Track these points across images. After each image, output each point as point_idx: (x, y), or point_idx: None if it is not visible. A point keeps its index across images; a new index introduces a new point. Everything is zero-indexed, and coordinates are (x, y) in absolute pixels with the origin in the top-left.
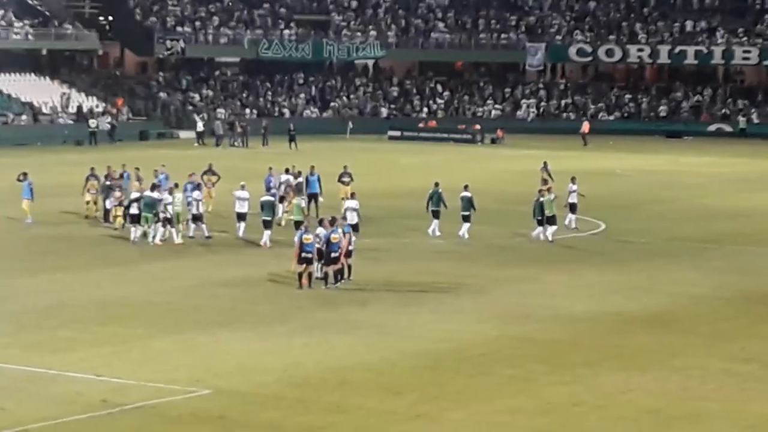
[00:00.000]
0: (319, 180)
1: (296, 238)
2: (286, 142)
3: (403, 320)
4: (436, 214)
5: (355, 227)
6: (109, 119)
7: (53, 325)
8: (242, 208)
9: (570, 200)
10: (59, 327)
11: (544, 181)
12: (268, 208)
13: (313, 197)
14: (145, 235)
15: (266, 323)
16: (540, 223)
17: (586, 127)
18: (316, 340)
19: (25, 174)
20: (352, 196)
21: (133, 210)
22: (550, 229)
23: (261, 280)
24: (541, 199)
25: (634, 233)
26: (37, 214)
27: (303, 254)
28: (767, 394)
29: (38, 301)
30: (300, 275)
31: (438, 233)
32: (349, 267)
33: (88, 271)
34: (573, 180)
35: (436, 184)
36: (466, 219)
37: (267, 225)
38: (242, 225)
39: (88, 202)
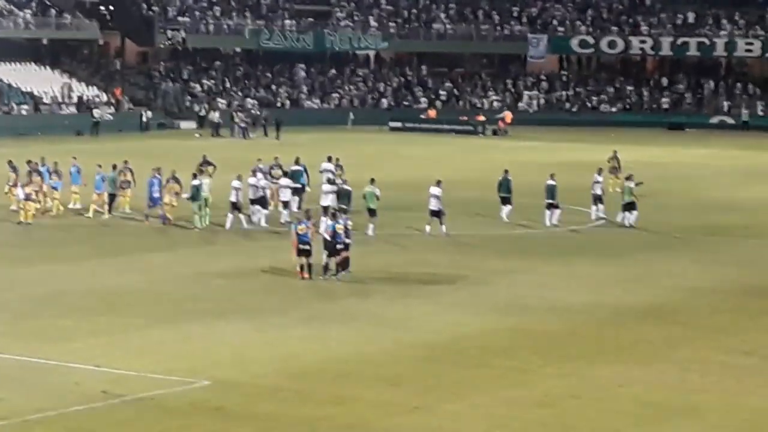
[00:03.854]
0: (306, 171)
1: (292, 229)
2: (284, 134)
3: (401, 312)
4: (504, 201)
5: (436, 213)
6: (110, 110)
7: (51, 314)
8: (254, 194)
9: (594, 191)
10: (57, 316)
11: (614, 169)
12: (345, 196)
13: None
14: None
15: (264, 314)
16: (549, 206)
17: (507, 116)
18: (315, 331)
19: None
20: (438, 183)
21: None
22: (632, 216)
23: (259, 271)
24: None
25: (622, 227)
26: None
27: (300, 246)
28: (766, 387)
29: (36, 290)
30: (300, 266)
31: (506, 219)
32: (348, 258)
33: (85, 260)
34: (599, 171)
35: (506, 171)
36: (550, 206)
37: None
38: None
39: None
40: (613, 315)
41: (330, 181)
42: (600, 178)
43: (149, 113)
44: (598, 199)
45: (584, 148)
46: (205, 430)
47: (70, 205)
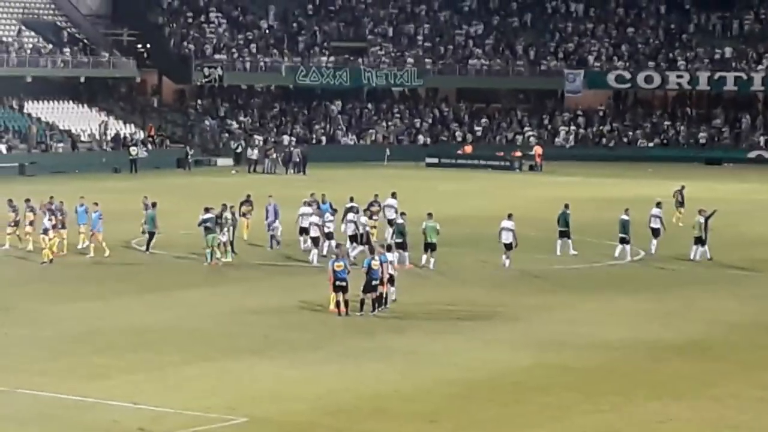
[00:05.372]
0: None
1: (329, 266)
2: (320, 170)
3: (437, 348)
4: (562, 234)
5: (508, 246)
6: (147, 147)
7: (87, 351)
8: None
9: (652, 225)
10: (93, 354)
11: (680, 203)
12: (398, 231)
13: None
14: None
15: (300, 350)
16: (622, 241)
17: (537, 151)
18: (350, 367)
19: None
20: (509, 216)
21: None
22: (701, 250)
23: (295, 307)
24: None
25: (672, 260)
26: (72, 242)
27: (337, 282)
28: None
29: (73, 327)
30: (337, 302)
31: (564, 252)
32: (386, 295)
33: (121, 297)
34: (658, 205)
35: (566, 206)
36: (623, 241)
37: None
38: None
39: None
40: (651, 351)
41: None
42: (657, 211)
43: (191, 150)
44: (655, 233)
45: (621, 183)
46: None
47: (79, 246)
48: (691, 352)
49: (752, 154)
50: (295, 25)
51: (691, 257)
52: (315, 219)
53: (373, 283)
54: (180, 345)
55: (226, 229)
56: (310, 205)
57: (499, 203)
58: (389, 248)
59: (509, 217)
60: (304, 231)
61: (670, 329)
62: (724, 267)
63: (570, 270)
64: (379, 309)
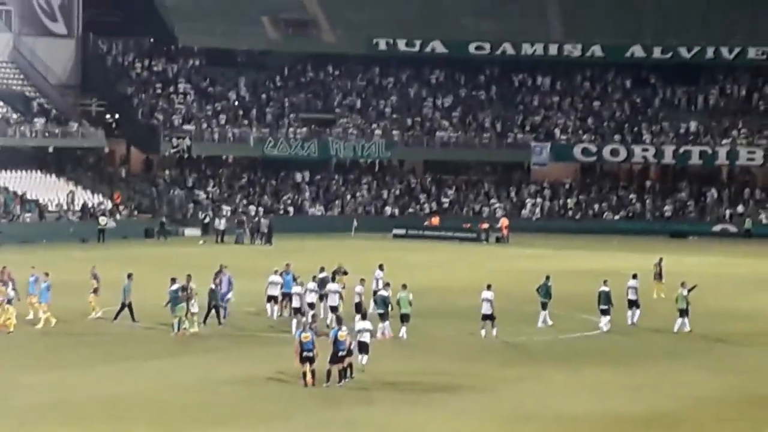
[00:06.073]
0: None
1: (296, 337)
2: (287, 240)
3: (405, 420)
4: (544, 306)
5: (488, 317)
6: (117, 217)
7: (54, 422)
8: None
9: (630, 297)
10: (60, 425)
11: (658, 276)
12: (381, 301)
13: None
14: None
15: (269, 422)
16: (604, 312)
17: (504, 222)
18: None
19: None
20: (489, 287)
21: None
22: (684, 321)
23: (264, 378)
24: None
25: (639, 332)
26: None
27: (304, 353)
28: None
29: (40, 397)
30: (304, 373)
31: (544, 323)
32: (351, 365)
33: (91, 367)
34: (635, 276)
35: (547, 277)
36: (605, 312)
37: (383, 317)
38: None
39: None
40: (618, 423)
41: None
42: (634, 283)
43: (165, 220)
44: (631, 304)
45: (588, 256)
46: None
47: (29, 317)
48: (658, 425)
49: (717, 228)
50: (264, 96)
51: (675, 330)
52: (298, 289)
53: (340, 353)
54: (148, 416)
55: (193, 300)
56: (281, 274)
57: (467, 275)
58: (364, 316)
59: (488, 287)
60: (272, 299)
61: (638, 401)
62: (690, 340)
63: (540, 341)
64: (345, 380)
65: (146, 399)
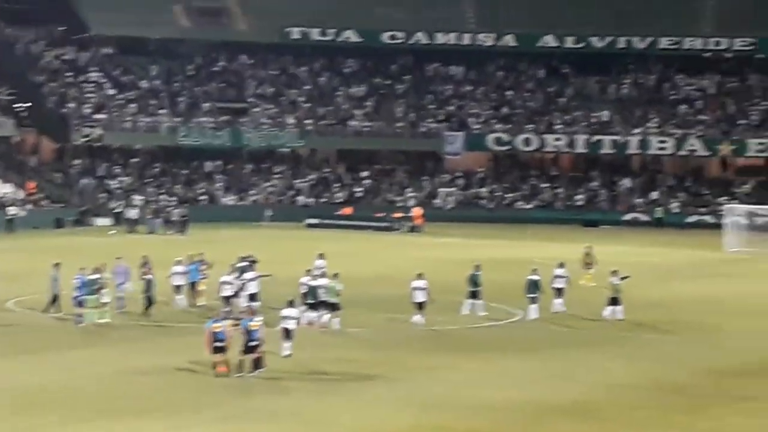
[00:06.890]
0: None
1: (206, 327)
2: (201, 230)
3: (319, 409)
4: (471, 295)
5: (420, 306)
6: (28, 206)
7: None
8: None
9: (555, 285)
10: None
11: (588, 264)
12: (332, 291)
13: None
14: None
15: (182, 412)
16: (532, 300)
17: (417, 212)
18: (232, 429)
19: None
20: (420, 276)
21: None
22: (617, 309)
23: (177, 368)
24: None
25: (552, 321)
26: None
27: (216, 343)
28: None
29: None
30: (215, 363)
31: (472, 312)
32: (262, 357)
33: (2, 358)
34: (561, 265)
35: (477, 267)
36: (532, 300)
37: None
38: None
39: None
40: (535, 412)
41: (314, 277)
42: (561, 271)
43: (83, 208)
44: (558, 292)
45: (501, 245)
46: None
47: None
48: (573, 413)
49: (628, 217)
50: (176, 84)
51: (604, 315)
52: (227, 278)
53: (252, 344)
54: (61, 406)
55: (104, 290)
56: (198, 263)
57: (381, 264)
58: (291, 303)
59: (419, 276)
60: (177, 289)
61: (553, 390)
62: (601, 328)
63: (457, 330)
64: (258, 370)
65: (58, 390)
